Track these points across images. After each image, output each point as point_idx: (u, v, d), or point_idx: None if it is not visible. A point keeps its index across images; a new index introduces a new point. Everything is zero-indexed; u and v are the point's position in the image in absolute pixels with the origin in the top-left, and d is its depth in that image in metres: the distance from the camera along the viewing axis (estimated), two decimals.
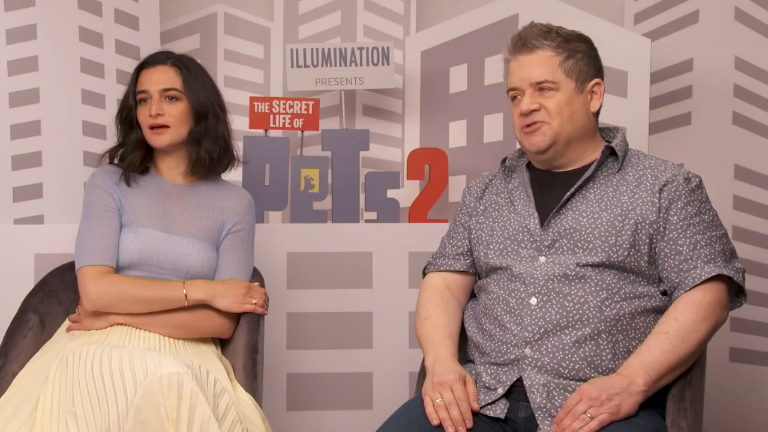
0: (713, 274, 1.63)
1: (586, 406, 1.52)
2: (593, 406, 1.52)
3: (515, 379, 1.64)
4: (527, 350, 1.64)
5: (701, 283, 1.63)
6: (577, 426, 1.51)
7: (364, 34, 3.19)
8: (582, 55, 1.77)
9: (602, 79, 1.80)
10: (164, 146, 1.98)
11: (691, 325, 1.60)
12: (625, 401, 1.53)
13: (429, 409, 1.61)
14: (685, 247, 1.66)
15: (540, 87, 1.74)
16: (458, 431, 1.58)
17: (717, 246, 1.67)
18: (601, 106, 1.79)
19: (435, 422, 1.59)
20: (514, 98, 1.80)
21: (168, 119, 1.95)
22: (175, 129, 1.97)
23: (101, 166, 2.03)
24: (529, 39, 1.76)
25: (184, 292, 1.88)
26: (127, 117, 2.00)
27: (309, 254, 2.58)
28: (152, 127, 1.96)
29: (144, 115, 1.97)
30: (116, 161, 2.03)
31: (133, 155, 2.00)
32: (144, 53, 2.08)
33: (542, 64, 1.74)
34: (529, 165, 1.86)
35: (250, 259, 2.04)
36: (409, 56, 3.15)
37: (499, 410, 1.65)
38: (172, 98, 1.96)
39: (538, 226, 1.73)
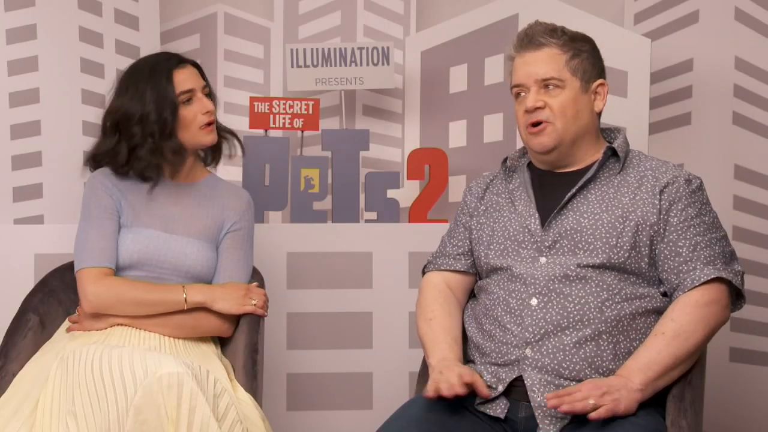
0: (712, 276, 1.63)
1: (586, 394, 1.51)
2: (594, 396, 1.51)
3: (515, 377, 1.64)
4: (528, 351, 1.64)
5: (700, 285, 1.63)
6: (579, 406, 1.49)
7: (364, 34, 3.18)
8: (587, 55, 1.77)
9: (605, 80, 1.80)
10: (215, 141, 1.99)
11: (687, 326, 1.59)
12: (623, 398, 1.52)
13: (430, 388, 1.59)
14: (684, 249, 1.66)
15: (545, 84, 1.74)
16: (456, 391, 1.56)
17: (717, 248, 1.67)
18: (604, 106, 1.79)
19: (431, 393, 1.57)
20: (518, 95, 1.79)
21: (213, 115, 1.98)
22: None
23: (101, 168, 2.02)
24: (536, 36, 1.75)
25: (184, 295, 1.89)
26: (163, 128, 1.89)
27: (309, 254, 2.58)
28: (207, 124, 1.95)
29: (194, 113, 1.93)
30: (111, 163, 1.98)
31: (163, 162, 1.94)
32: (144, 53, 2.08)
33: (549, 61, 1.74)
34: (530, 165, 1.86)
35: (249, 258, 2.04)
36: (409, 56, 3.15)
37: (500, 410, 1.65)
38: (207, 94, 1.98)
39: (538, 227, 1.73)
